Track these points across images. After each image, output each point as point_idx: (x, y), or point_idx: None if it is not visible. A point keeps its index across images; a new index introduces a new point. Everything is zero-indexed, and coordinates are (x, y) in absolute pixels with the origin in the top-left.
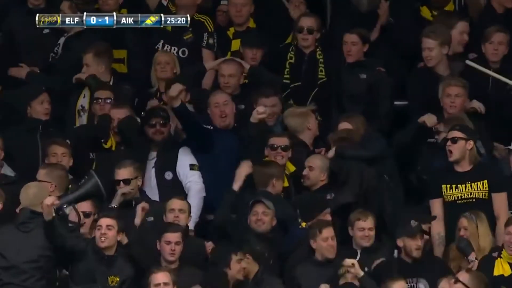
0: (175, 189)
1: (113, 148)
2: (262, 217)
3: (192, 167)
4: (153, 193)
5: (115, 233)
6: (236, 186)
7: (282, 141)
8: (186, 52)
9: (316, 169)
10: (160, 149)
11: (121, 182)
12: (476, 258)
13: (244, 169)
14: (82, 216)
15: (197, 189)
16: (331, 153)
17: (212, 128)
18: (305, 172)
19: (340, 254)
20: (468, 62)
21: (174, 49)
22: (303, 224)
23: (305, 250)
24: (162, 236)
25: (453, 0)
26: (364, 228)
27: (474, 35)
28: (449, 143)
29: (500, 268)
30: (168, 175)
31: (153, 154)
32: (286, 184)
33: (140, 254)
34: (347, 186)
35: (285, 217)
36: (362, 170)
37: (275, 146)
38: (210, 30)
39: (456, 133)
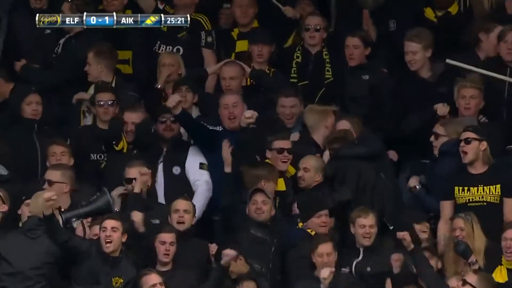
0: (181, 184)
1: (125, 150)
2: (261, 206)
3: (201, 166)
4: (159, 188)
5: (120, 235)
6: (227, 169)
7: (287, 143)
8: (181, 51)
9: (311, 170)
10: (170, 145)
11: (133, 180)
12: (476, 260)
13: (225, 150)
14: (88, 231)
15: (206, 188)
16: (326, 156)
17: (221, 129)
18: (300, 173)
19: (343, 254)
20: (448, 61)
21: (169, 48)
22: (300, 225)
23: (307, 265)
24: (156, 237)
25: (457, 1)
26: (365, 225)
27: None
28: (462, 143)
29: (498, 275)
30: (176, 170)
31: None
32: (283, 187)
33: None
34: (344, 185)
35: None
36: (359, 168)
37: (282, 149)
38: (207, 28)
39: (470, 134)
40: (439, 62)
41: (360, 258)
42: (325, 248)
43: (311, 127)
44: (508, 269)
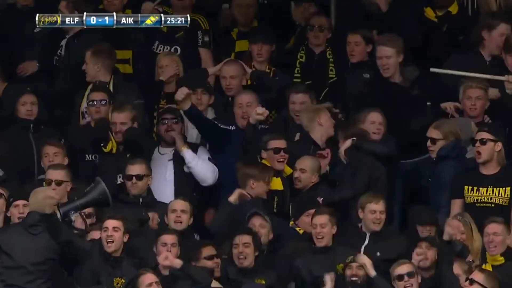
0: (191, 182)
1: (114, 151)
2: (259, 230)
3: (210, 160)
4: (168, 187)
5: (122, 235)
6: (232, 198)
7: (283, 143)
8: (179, 50)
9: (308, 171)
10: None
11: (134, 177)
12: (472, 260)
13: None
14: (87, 223)
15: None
16: (347, 143)
17: (234, 127)
18: (296, 174)
19: (348, 237)
20: (433, 69)
21: (167, 48)
22: (291, 223)
23: (306, 239)
24: (158, 239)
25: (465, 2)
26: (375, 211)
27: None
28: (477, 144)
29: None
30: (187, 168)
31: (165, 150)
32: (280, 187)
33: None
34: (356, 177)
35: None
36: (374, 165)
37: (278, 148)
38: (204, 28)
39: (485, 135)
40: (409, 67)
41: (366, 242)
42: (320, 219)
43: (306, 126)
44: (492, 266)
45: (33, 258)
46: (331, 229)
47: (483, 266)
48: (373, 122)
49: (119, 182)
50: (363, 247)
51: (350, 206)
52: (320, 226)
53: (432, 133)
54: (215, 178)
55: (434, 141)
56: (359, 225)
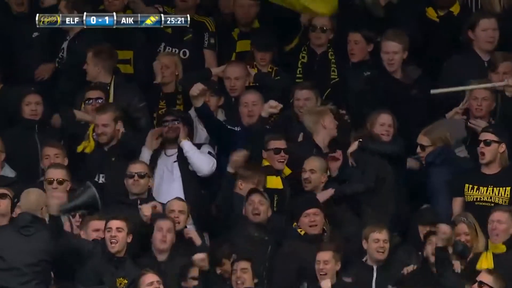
0: (197, 179)
1: (87, 151)
2: (258, 207)
3: (211, 154)
4: (176, 186)
5: (125, 235)
6: (231, 169)
7: (283, 143)
8: (187, 53)
9: (318, 171)
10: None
11: (136, 175)
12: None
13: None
14: (75, 227)
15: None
16: (354, 145)
17: (240, 128)
18: (306, 175)
19: (355, 271)
20: (433, 91)
21: (175, 51)
22: (294, 225)
23: (287, 263)
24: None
25: (469, 3)
26: (379, 240)
27: None
28: (482, 145)
29: (484, 261)
30: (192, 167)
31: (171, 151)
32: (280, 186)
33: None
34: (365, 174)
35: None
36: (380, 163)
37: (278, 149)
38: (211, 30)
39: (489, 136)
40: (411, 65)
41: (375, 276)
42: (323, 256)
43: (310, 129)
44: (494, 254)
45: (26, 259)
46: (334, 266)
47: (485, 254)
48: (383, 124)
49: (100, 181)
50: (373, 282)
51: (361, 202)
52: (324, 262)
53: (422, 139)
54: (211, 170)
55: (423, 147)
56: (364, 259)
